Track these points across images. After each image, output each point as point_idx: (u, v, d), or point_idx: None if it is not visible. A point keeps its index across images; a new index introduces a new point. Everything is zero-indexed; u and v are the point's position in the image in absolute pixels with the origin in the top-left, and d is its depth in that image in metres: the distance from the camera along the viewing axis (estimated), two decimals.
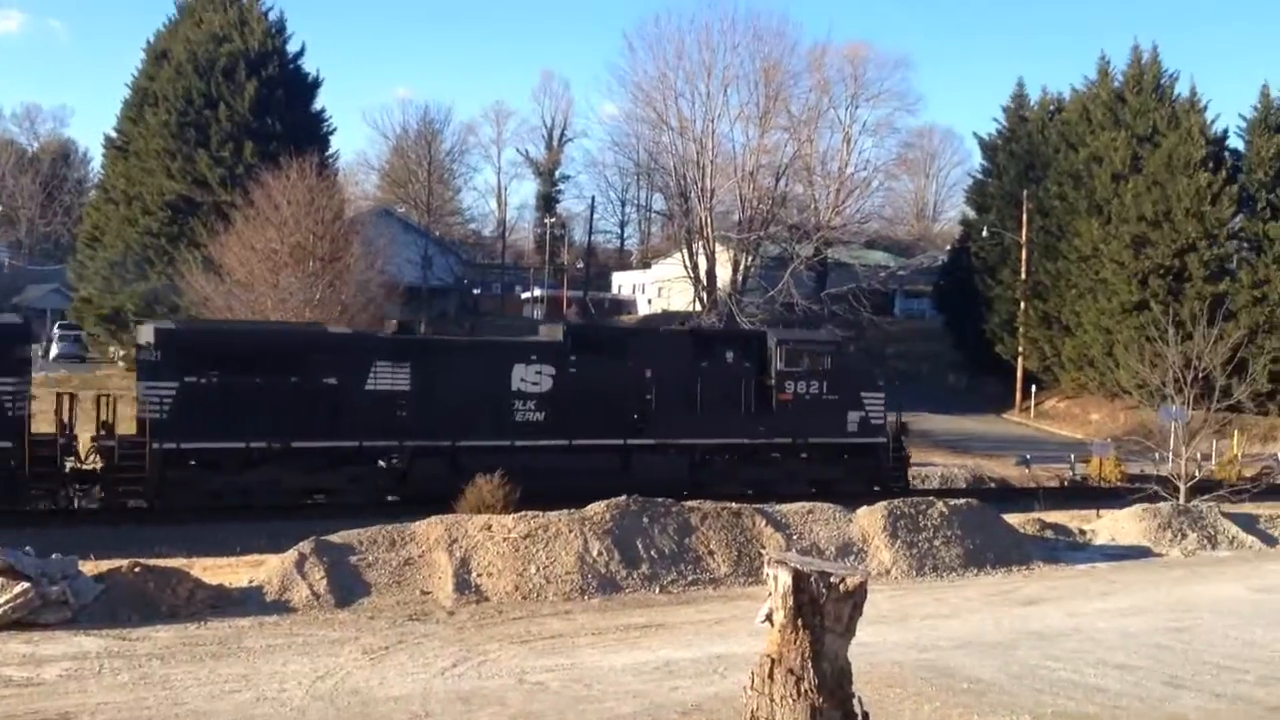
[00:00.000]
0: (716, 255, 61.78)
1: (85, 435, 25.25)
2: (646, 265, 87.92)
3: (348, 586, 15.28)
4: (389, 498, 25.52)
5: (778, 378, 28.41)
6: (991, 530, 19.90)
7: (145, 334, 25.47)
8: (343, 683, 11.48)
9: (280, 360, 25.02)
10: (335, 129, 60.11)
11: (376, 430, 25.38)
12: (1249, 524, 23.18)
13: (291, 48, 57.85)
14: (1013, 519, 21.80)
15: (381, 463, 25.86)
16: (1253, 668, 12.84)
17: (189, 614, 14.03)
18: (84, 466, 24.90)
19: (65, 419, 24.34)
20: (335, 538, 16.37)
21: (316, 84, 58.55)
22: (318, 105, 58.59)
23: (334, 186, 48.44)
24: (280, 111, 54.31)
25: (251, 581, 15.47)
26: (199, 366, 24.32)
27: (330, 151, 57.46)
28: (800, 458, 28.60)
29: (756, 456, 28.43)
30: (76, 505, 24.61)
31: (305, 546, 15.84)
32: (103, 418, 25.16)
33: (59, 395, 25.39)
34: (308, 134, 53.32)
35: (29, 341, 25.21)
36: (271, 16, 57.20)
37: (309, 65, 59.14)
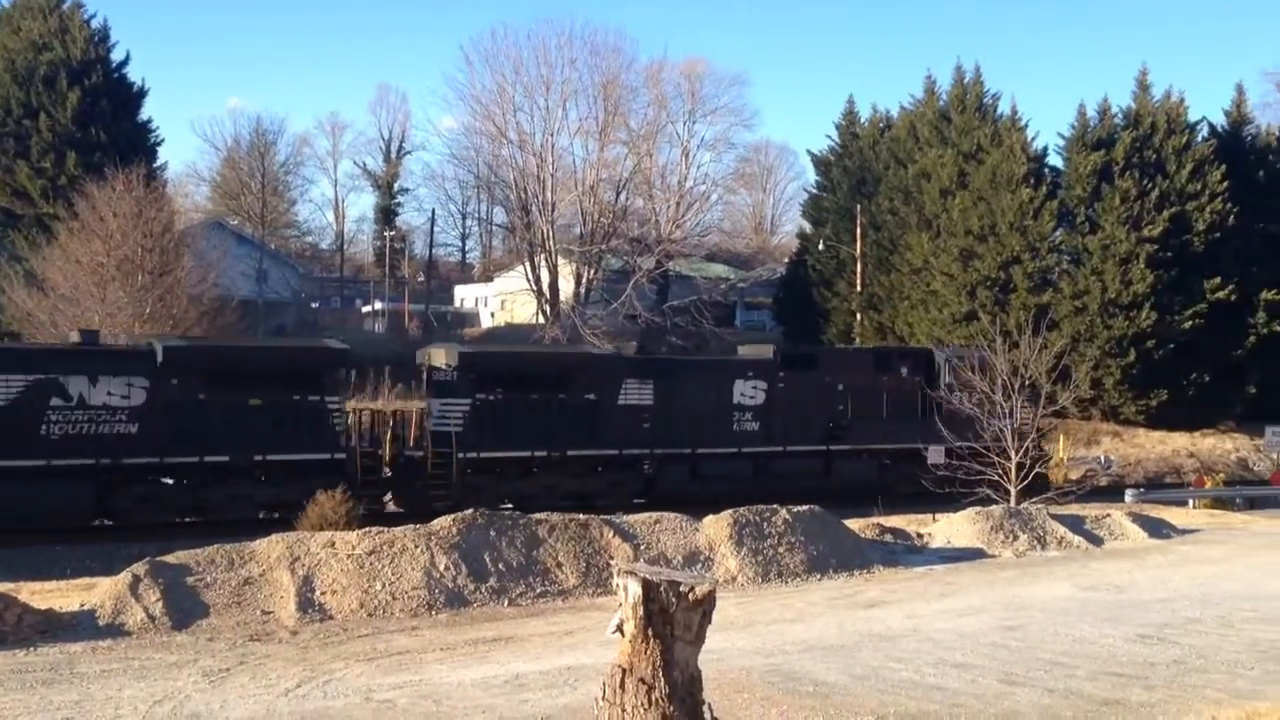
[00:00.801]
0: (559, 268, 61.88)
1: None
2: (489, 278, 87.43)
3: (185, 608, 14.82)
4: (635, 500, 28.25)
5: (945, 389, 31.54)
6: (833, 536, 20.31)
7: (442, 357, 28.50)
8: (181, 706, 11.13)
9: (552, 379, 28.85)
10: (163, 139, 58.69)
11: (627, 440, 28.99)
12: (1075, 525, 24.11)
13: (116, 56, 56.41)
14: (853, 524, 22.28)
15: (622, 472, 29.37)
16: (1083, 663, 13.34)
17: (17, 640, 13.43)
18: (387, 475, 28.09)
19: (364, 432, 27.98)
20: (170, 558, 15.88)
21: (142, 93, 57.05)
22: (144, 115, 57.24)
23: (162, 198, 47.10)
24: (105, 122, 52.73)
25: (83, 605, 14.89)
26: (488, 385, 27.89)
27: (158, 162, 56.11)
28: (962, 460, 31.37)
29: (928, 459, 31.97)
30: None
31: (139, 568, 15.34)
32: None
33: (359, 411, 29.24)
34: (134, 145, 51.83)
35: (349, 365, 28.67)
36: (94, 24, 55.60)
37: (134, 74, 57.57)
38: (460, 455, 26.91)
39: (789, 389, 30.99)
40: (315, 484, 24.25)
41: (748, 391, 30.65)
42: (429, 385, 28.73)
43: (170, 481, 25.13)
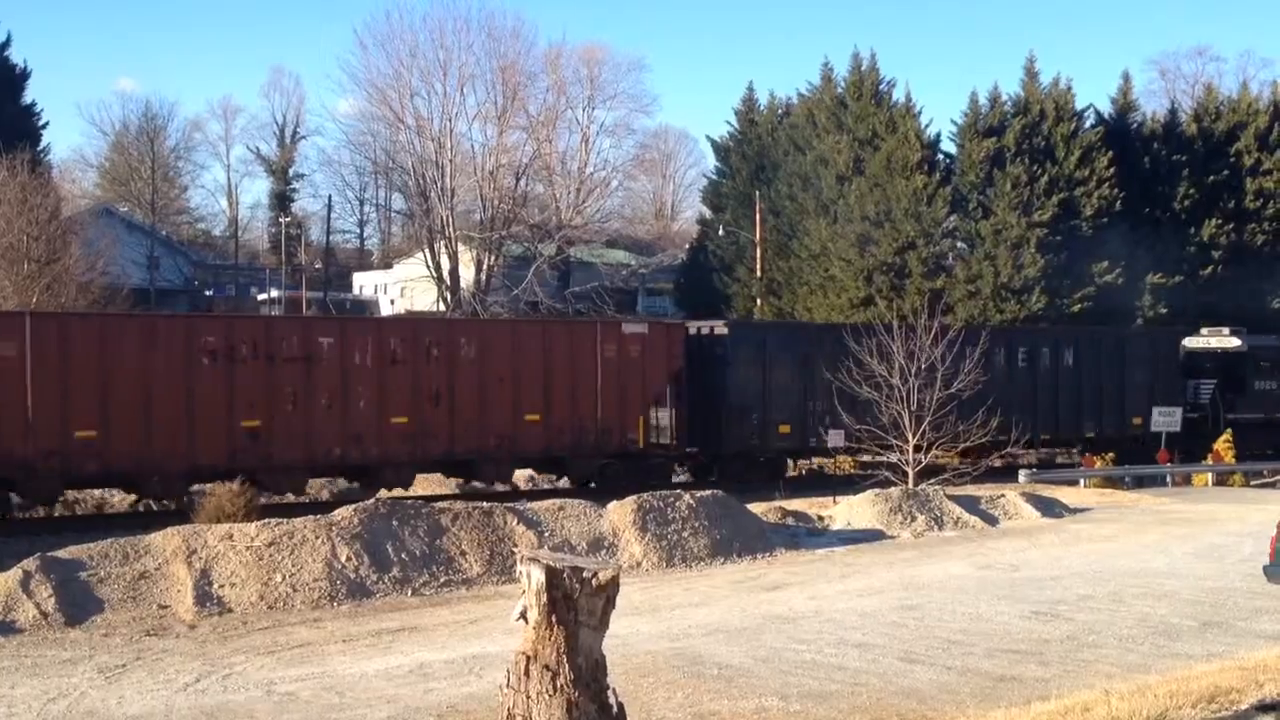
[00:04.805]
0: (459, 255, 61.38)
1: None
2: (388, 265, 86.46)
3: (79, 604, 14.52)
4: None
5: None
6: (737, 520, 20.47)
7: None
8: (77, 704, 10.90)
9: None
10: (48, 123, 57.15)
11: None
12: (971, 505, 24.60)
13: None
14: (756, 508, 22.49)
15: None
16: (980, 641, 13.62)
17: None
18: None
19: None
20: (63, 553, 15.53)
21: (25, 75, 55.52)
22: (28, 98, 55.63)
23: (48, 184, 45.81)
24: None
25: None
26: None
27: (42, 147, 54.54)
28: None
29: None
30: None
31: (29, 564, 14.97)
32: None
33: None
34: (17, 129, 50.18)
35: None
36: None
37: (16, 56, 55.93)
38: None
39: None
40: None
41: None
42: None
43: None
